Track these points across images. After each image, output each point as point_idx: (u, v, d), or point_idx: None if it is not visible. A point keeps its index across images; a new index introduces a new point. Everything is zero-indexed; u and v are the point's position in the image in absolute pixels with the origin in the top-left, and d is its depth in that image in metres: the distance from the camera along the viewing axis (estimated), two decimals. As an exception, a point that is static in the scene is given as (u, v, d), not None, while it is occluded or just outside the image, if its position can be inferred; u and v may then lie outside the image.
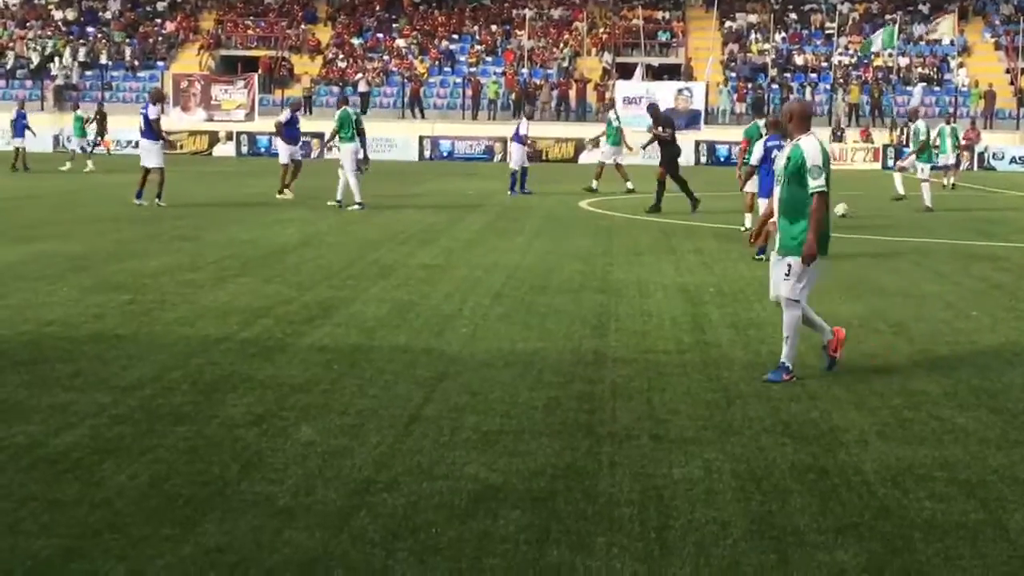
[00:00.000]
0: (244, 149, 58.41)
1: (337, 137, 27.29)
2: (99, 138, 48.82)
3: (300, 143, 31.06)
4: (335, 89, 63.15)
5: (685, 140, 57.19)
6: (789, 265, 10.00)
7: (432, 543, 6.04)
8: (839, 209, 22.55)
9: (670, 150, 28.26)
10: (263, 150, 57.88)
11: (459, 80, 63.68)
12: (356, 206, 26.48)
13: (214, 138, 58.86)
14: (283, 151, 30.41)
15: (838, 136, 57.77)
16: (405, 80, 63.07)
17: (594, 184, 34.02)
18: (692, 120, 59.35)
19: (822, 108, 61.59)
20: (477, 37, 68.64)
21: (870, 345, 11.61)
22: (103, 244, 19.06)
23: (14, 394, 9.04)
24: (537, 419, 8.57)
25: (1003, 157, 56.22)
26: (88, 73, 65.68)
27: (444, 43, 67.81)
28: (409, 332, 11.88)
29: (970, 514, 6.62)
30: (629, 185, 34.12)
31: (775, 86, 62.43)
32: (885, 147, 56.85)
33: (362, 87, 62.35)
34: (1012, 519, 6.56)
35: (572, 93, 62.45)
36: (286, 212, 25.48)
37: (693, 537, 6.19)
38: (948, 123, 41.86)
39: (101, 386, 9.31)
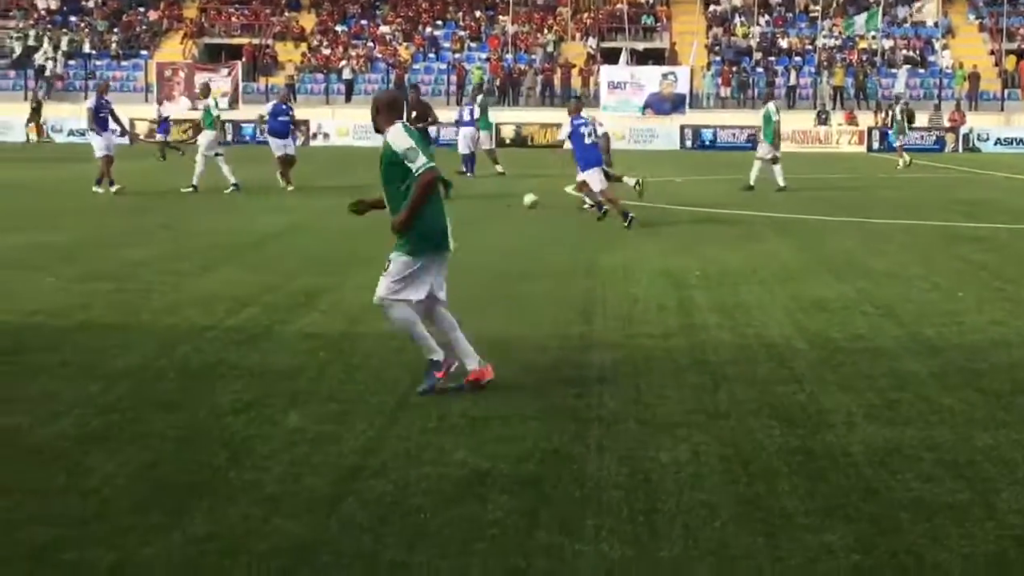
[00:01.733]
0: (229, 137, 58.17)
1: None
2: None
3: (113, 131, 28.17)
4: (319, 76, 63.11)
5: (671, 124, 57.62)
6: (389, 261, 9.05)
7: (421, 528, 6.04)
8: (528, 199, 22.71)
9: None
10: (248, 138, 57.72)
11: (443, 66, 63.56)
12: (232, 187, 27.56)
13: (198, 127, 58.56)
14: (96, 143, 27.39)
15: (823, 119, 57.82)
16: (389, 67, 62.95)
17: (499, 168, 34.83)
18: (677, 104, 59.36)
19: (807, 91, 61.66)
20: (461, 23, 68.53)
21: (856, 327, 11.62)
22: (88, 234, 19.02)
23: (0, 383, 9.01)
24: (524, 404, 8.56)
25: (987, 139, 56.39)
26: (71, 63, 65.42)
27: (428, 29, 67.71)
28: (396, 318, 11.85)
29: (957, 494, 6.64)
30: (499, 168, 34.82)
31: (760, 69, 62.46)
32: (870, 130, 56.92)
33: (346, 74, 62.25)
34: (999, 498, 6.58)
35: (557, 78, 62.38)
36: (270, 200, 25.43)
37: (681, 520, 6.19)
38: (896, 104, 43.26)
39: (88, 375, 9.29)
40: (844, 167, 41.44)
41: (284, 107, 29.40)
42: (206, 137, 28.02)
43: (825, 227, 21.08)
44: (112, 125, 28.06)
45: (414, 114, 27.72)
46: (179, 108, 60.39)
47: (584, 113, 22.03)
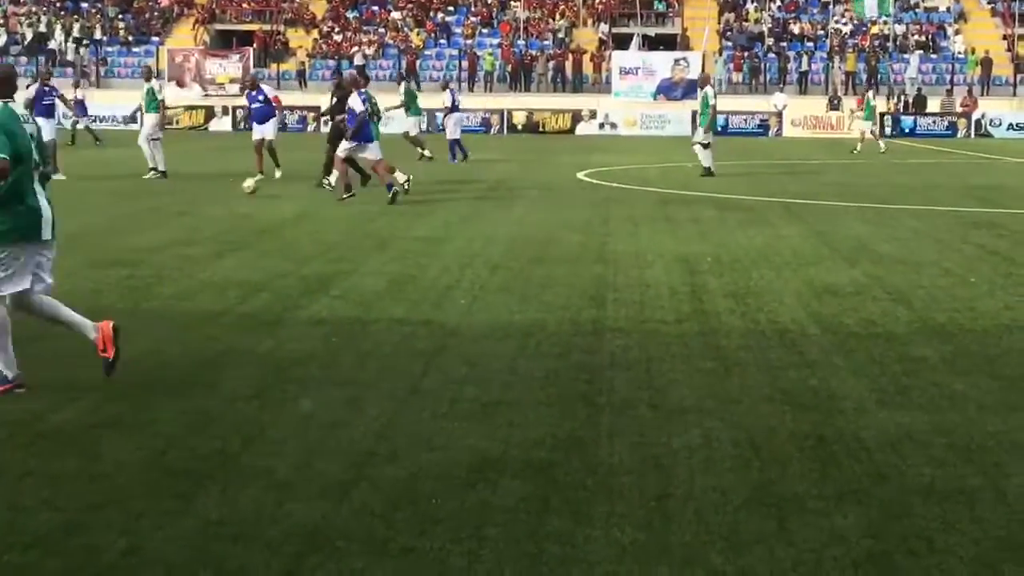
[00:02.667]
0: (241, 124, 58.29)
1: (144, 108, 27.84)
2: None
3: (57, 118, 28.17)
4: (330, 63, 63.10)
5: (683, 110, 57.50)
6: None
7: (432, 513, 6.04)
8: (248, 184, 22.78)
9: (336, 126, 25.99)
10: (259, 124, 57.78)
11: (455, 52, 63.50)
12: (152, 173, 27.09)
13: (210, 113, 58.78)
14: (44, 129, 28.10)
15: (835, 104, 57.70)
16: (401, 53, 62.92)
17: (427, 153, 33.90)
18: (689, 90, 59.25)
19: (819, 77, 61.52)
20: (472, 9, 68.42)
21: (868, 312, 11.61)
22: (99, 219, 19.05)
23: (13, 370, 9.03)
24: (536, 390, 8.57)
25: (1000, 124, 56.24)
26: (83, 49, 65.46)
27: (439, 15, 67.61)
28: (407, 304, 11.88)
29: (968, 479, 6.63)
30: (427, 153, 33.78)
31: (772, 55, 62.31)
32: (882, 115, 56.76)
33: (358, 60, 62.17)
34: (1010, 484, 6.57)
35: (568, 64, 62.31)
36: (282, 187, 25.43)
37: (693, 505, 6.19)
38: (867, 91, 44.20)
39: (99, 362, 9.28)
40: (856, 153, 41.31)
41: (252, 94, 28.50)
42: (149, 120, 27.64)
43: (836, 212, 21.05)
44: (65, 111, 27.72)
45: (335, 100, 26.44)
46: (192, 94, 60.59)
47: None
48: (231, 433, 7.42)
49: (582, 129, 56.62)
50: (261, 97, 28.19)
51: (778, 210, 21.28)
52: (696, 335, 10.52)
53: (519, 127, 57.13)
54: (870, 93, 44.86)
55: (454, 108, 35.25)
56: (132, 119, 57.54)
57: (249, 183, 23.04)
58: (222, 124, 58.19)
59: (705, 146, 29.61)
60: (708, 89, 30.31)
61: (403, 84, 38.12)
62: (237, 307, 11.69)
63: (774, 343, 10.19)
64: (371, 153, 22.25)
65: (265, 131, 27.92)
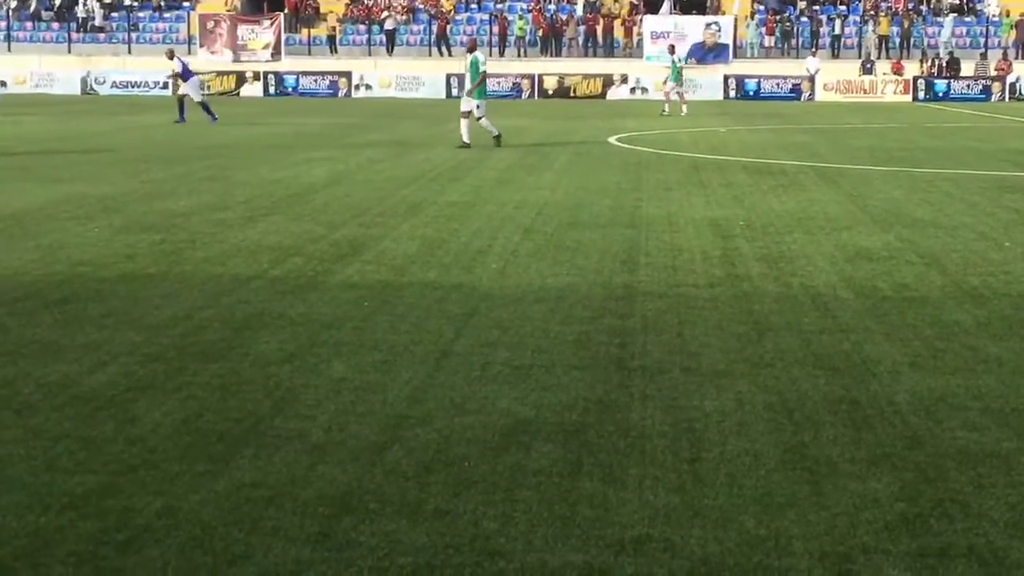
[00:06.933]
0: (272, 89, 58.39)
1: None
2: None
3: None
4: (361, 28, 63.02)
5: (714, 75, 57.25)
6: None
7: (465, 476, 6.05)
8: None
9: None
10: (290, 90, 57.91)
11: (485, 17, 63.32)
12: None
13: (241, 78, 58.84)
14: None
15: (868, 68, 57.34)
16: (431, 18, 62.77)
17: None
18: (720, 54, 59.02)
19: (852, 40, 61.12)
20: (503, -27, 68.22)
21: (902, 276, 11.56)
22: (133, 185, 19.09)
23: (47, 334, 9.08)
24: (568, 353, 8.56)
25: (1035, 88, 55.79)
26: (114, 15, 65.54)
27: (470, -21, 67.43)
28: (439, 268, 11.88)
29: (1003, 443, 6.60)
30: None
31: (804, 19, 61.93)
32: (915, 79, 56.40)
33: (389, 25, 62.10)
34: (1046, 448, 6.54)
35: (599, 29, 62.08)
36: (314, 152, 25.45)
37: (726, 468, 6.19)
38: (672, 54, 45.06)
39: (133, 325, 9.34)
40: (889, 116, 41.09)
41: None
42: None
43: (870, 176, 20.95)
44: None
45: None
46: (221, 60, 60.61)
47: None
48: (264, 396, 7.44)
49: (613, 94, 56.49)
50: None
51: (811, 174, 21.19)
52: (729, 299, 10.49)
53: (550, 92, 57.03)
54: (675, 56, 45.15)
55: (187, 73, 35.31)
56: (164, 85, 57.78)
57: None
58: (253, 90, 58.26)
59: (467, 116, 27.54)
60: (478, 54, 28.40)
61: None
62: (270, 271, 11.71)
63: (807, 307, 10.15)
64: None
65: None
